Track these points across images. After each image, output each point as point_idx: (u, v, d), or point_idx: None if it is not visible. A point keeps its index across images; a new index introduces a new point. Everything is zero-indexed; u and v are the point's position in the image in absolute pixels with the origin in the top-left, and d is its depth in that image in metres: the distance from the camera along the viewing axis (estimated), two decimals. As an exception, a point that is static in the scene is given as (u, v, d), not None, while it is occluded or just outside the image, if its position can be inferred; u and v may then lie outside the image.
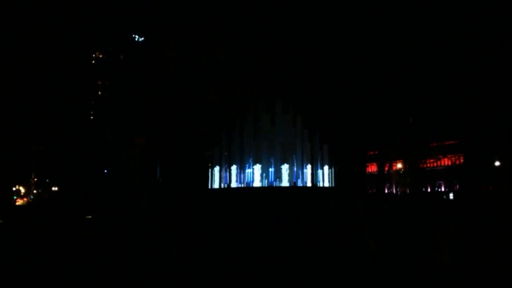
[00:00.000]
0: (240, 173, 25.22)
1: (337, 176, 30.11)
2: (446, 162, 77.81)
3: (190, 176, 43.94)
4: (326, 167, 26.34)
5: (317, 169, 25.82)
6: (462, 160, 70.72)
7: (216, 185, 26.18)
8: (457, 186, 72.14)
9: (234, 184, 25.22)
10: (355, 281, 8.31)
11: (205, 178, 27.85)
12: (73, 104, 44.14)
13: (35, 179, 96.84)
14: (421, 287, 9.80)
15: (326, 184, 26.06)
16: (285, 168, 24.03)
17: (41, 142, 69.24)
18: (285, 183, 23.93)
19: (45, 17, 36.69)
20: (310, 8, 44.76)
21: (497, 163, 56.30)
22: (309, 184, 25.07)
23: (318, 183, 25.60)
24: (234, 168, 25.37)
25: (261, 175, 24.15)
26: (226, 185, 25.51)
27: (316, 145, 26.09)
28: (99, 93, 45.53)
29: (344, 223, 8.43)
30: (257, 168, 24.23)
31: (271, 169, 24.37)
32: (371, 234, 8.48)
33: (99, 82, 45.59)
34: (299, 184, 24.67)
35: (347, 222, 8.45)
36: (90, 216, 29.38)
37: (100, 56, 44.67)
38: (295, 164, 24.61)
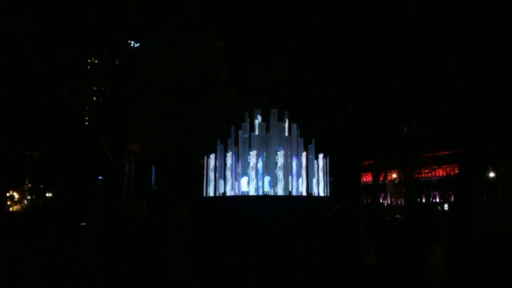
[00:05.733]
0: (235, 181, 25.13)
1: (332, 186, 30.03)
2: (440, 172, 78.00)
3: (185, 184, 43.84)
4: (321, 177, 26.28)
5: (312, 179, 25.74)
6: (456, 171, 70.84)
7: (211, 193, 26.06)
8: (452, 197, 72.23)
9: (229, 192, 25.12)
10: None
11: (200, 185, 27.74)
12: (68, 109, 43.99)
13: (29, 185, 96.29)
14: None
15: (322, 194, 25.98)
16: (280, 177, 23.97)
17: (36, 148, 68.87)
18: (280, 192, 23.85)
19: (39, 22, 36.61)
20: (304, 17, 44.96)
21: (491, 174, 56.47)
22: (304, 193, 25.00)
23: (313, 193, 25.51)
24: (229, 176, 25.28)
25: (256, 184, 24.07)
26: (221, 193, 25.40)
27: (311, 154, 26.02)
28: (94, 98, 45.48)
29: (341, 233, 8.34)
30: (253, 176, 24.16)
31: (266, 178, 24.29)
32: (369, 245, 8.39)
33: (94, 88, 45.54)
34: (294, 193, 24.59)
35: (344, 232, 8.36)
36: (84, 223, 29.19)
37: (96, 61, 44.65)
38: (290, 173, 24.54)
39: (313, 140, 26.46)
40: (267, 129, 25.55)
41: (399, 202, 74.01)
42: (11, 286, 12.97)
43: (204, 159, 27.39)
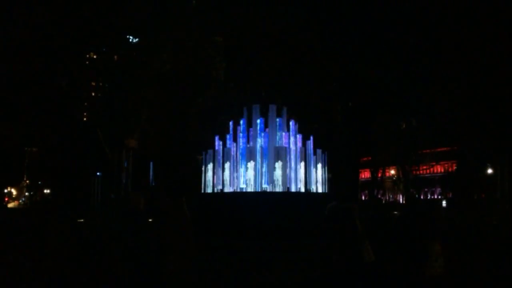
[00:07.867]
0: (234, 177, 25.08)
1: (330, 182, 29.96)
2: (439, 169, 78.10)
3: (183, 180, 43.77)
4: (319, 173, 26.24)
5: (311, 175, 25.70)
6: (455, 167, 70.87)
7: (209, 189, 26.03)
8: (450, 194, 72.31)
9: (227, 189, 25.07)
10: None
11: (198, 182, 27.70)
12: (66, 105, 43.91)
13: (27, 181, 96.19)
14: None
15: (320, 190, 25.95)
16: (278, 173, 23.91)
17: (34, 144, 68.86)
18: (278, 188, 23.81)
19: (38, 17, 36.49)
20: (303, 13, 44.78)
21: (489, 171, 56.55)
22: (302, 189, 24.95)
23: (312, 189, 25.47)
24: (227, 172, 25.23)
25: (255, 180, 24.02)
26: (219, 190, 25.35)
27: (309, 150, 25.98)
28: (93, 94, 45.44)
29: (339, 230, 8.32)
30: (251, 172, 24.11)
31: (265, 174, 24.24)
32: (367, 241, 8.38)
33: (93, 83, 45.50)
34: (293, 189, 24.55)
35: (342, 229, 8.34)
36: (82, 220, 29.15)
37: (94, 57, 44.55)
38: (288, 169, 24.50)
39: (312, 136, 26.42)
40: (266, 125, 25.49)
41: (397, 198, 74.21)
42: (10, 284, 12.92)
43: (202, 155, 27.34)
